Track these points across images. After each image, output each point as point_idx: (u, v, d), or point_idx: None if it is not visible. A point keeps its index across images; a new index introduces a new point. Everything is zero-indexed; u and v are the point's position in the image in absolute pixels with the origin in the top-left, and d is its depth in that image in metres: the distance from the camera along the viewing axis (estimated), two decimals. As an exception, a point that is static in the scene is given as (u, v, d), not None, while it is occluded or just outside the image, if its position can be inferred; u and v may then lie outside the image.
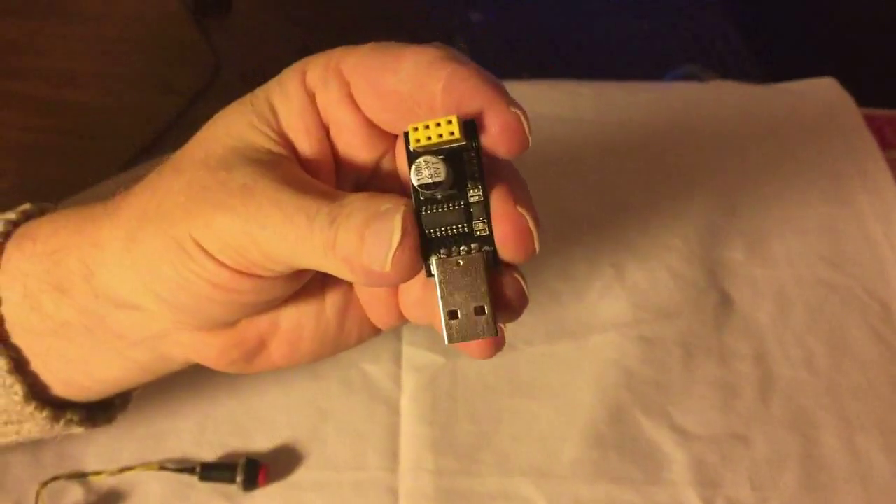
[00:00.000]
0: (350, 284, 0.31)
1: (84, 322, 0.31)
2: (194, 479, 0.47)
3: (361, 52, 0.28)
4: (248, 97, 0.29)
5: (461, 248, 0.26)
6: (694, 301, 0.56)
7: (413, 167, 0.25)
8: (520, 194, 0.26)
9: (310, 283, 0.31)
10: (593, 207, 0.60)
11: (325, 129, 0.29)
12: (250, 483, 0.47)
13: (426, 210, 0.26)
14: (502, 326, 0.27)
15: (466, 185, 0.26)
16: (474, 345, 0.27)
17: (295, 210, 0.25)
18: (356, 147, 0.29)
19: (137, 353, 0.32)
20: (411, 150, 0.26)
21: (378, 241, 0.24)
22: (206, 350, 0.31)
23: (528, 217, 0.26)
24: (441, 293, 0.25)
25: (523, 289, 0.26)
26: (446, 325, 0.25)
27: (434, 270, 0.26)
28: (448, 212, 0.26)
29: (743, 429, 0.52)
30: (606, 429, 0.51)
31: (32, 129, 1.35)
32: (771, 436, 0.52)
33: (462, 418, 0.51)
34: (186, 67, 1.44)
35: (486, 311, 0.25)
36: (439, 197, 0.26)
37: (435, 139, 0.25)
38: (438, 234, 0.26)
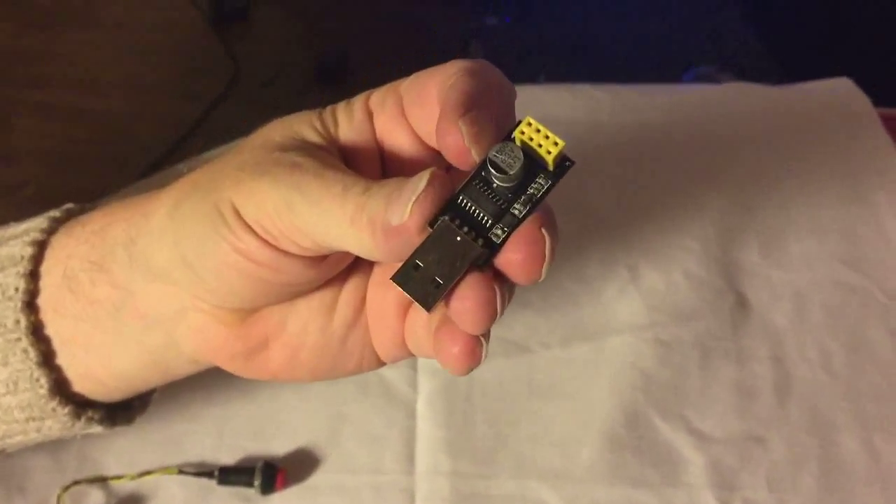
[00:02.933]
0: (362, 301, 0.32)
1: (113, 299, 0.32)
2: (213, 484, 0.48)
3: (418, 75, 0.29)
4: (317, 110, 0.31)
5: (471, 233, 0.26)
6: (710, 303, 0.56)
7: (499, 145, 0.26)
8: (547, 219, 0.27)
9: (324, 290, 0.31)
10: (608, 209, 0.60)
11: (378, 151, 0.30)
12: (268, 487, 0.48)
13: (476, 182, 0.27)
14: (483, 342, 0.28)
15: (520, 198, 0.27)
16: (454, 354, 0.27)
17: (334, 180, 0.27)
18: (407, 168, 0.30)
19: (152, 337, 0.33)
20: (511, 136, 0.27)
21: (403, 194, 0.26)
22: (213, 338, 0.31)
23: (547, 241, 0.26)
24: (424, 244, 0.26)
25: (483, 303, 0.26)
26: (404, 265, 0.26)
27: (437, 224, 0.26)
28: (489, 200, 0.27)
29: (761, 431, 0.52)
30: (623, 431, 0.51)
31: (55, 137, 1.37)
32: (789, 438, 0.51)
33: (478, 421, 0.51)
34: (206, 75, 1.46)
35: (438, 289, 0.26)
36: (494, 185, 0.27)
37: (533, 144, 0.26)
38: (466, 207, 0.27)
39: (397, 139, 0.30)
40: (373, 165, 0.30)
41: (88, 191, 0.65)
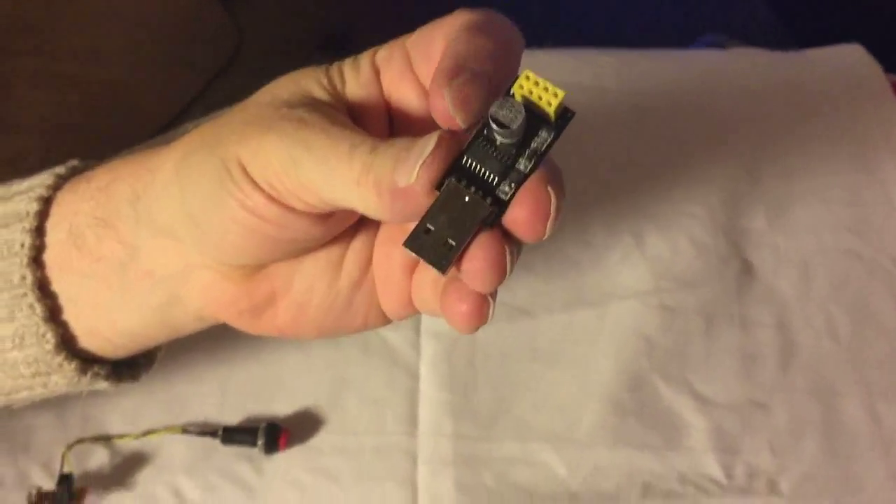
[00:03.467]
0: (368, 259, 0.31)
1: (119, 256, 0.32)
2: (216, 443, 0.48)
3: (423, 28, 0.29)
4: (323, 66, 0.30)
5: (478, 192, 0.26)
6: (715, 269, 0.56)
7: (499, 101, 0.26)
8: (553, 176, 0.27)
9: (331, 248, 0.31)
10: (613, 175, 0.60)
11: (384, 107, 0.30)
12: (271, 446, 0.48)
13: (479, 141, 0.27)
14: (490, 301, 0.27)
15: (524, 153, 0.27)
16: (462, 313, 0.27)
17: (341, 138, 0.27)
18: (415, 125, 0.30)
19: (157, 295, 0.33)
20: (510, 91, 0.27)
21: (410, 156, 0.26)
22: (220, 295, 0.31)
23: (553, 199, 0.26)
24: (433, 207, 0.26)
25: (493, 262, 0.26)
26: (415, 231, 0.26)
27: (443, 186, 0.26)
28: (494, 158, 0.26)
29: (764, 396, 0.52)
30: (626, 396, 0.51)
31: (55, 107, 1.36)
32: (792, 403, 0.51)
33: (481, 385, 0.51)
34: (208, 44, 1.44)
35: (451, 251, 0.26)
36: (497, 142, 0.26)
37: (534, 97, 0.26)
38: (471, 167, 0.26)
39: (405, 95, 0.29)
40: (380, 123, 0.30)
41: (89, 159, 0.65)
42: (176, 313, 0.33)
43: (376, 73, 0.30)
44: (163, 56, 1.39)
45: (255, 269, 0.31)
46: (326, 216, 0.29)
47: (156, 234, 0.31)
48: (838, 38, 0.67)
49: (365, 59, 0.30)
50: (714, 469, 0.49)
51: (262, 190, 0.28)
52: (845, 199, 0.59)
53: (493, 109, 0.26)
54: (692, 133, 0.62)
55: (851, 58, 0.65)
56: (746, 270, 0.56)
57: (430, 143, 0.26)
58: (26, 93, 1.33)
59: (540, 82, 0.26)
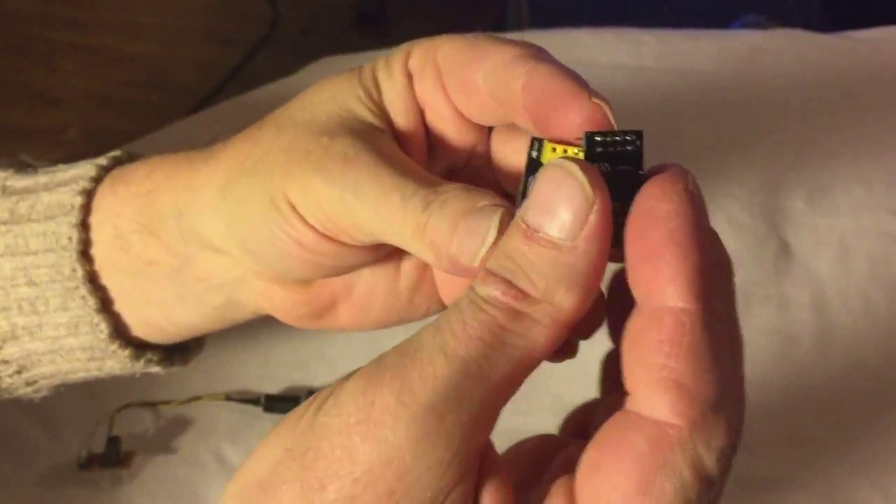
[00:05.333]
0: (426, 263, 0.32)
1: (170, 262, 0.32)
2: (259, 410, 0.49)
3: (455, 45, 0.28)
4: (356, 70, 0.30)
5: None
6: (753, 249, 0.56)
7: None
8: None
9: (388, 250, 0.31)
10: (651, 154, 0.59)
11: (421, 113, 0.29)
12: (312, 415, 0.49)
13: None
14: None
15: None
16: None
17: (392, 187, 0.26)
18: (449, 134, 0.29)
19: (214, 297, 0.33)
20: (534, 157, 0.25)
21: (471, 235, 0.24)
22: (279, 302, 0.32)
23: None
24: None
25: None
26: None
27: None
28: None
29: (801, 377, 0.52)
30: (661, 373, 0.51)
31: (96, 80, 1.38)
32: (829, 384, 0.52)
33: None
34: (245, 21, 1.46)
35: None
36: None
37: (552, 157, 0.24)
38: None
39: (437, 106, 0.29)
40: (417, 129, 0.29)
41: (129, 132, 0.66)
42: (233, 312, 0.34)
43: (410, 79, 0.29)
44: (200, 32, 1.40)
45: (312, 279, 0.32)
46: (379, 245, 0.28)
47: (204, 247, 0.31)
48: (876, 20, 0.67)
49: (397, 64, 0.29)
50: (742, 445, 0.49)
51: (314, 229, 0.27)
52: (886, 180, 0.59)
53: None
54: (732, 113, 0.62)
55: (893, 40, 0.64)
56: (784, 250, 0.56)
57: (492, 230, 0.24)
58: (67, 65, 1.35)
59: (567, 148, 0.24)
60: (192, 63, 1.37)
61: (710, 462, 0.21)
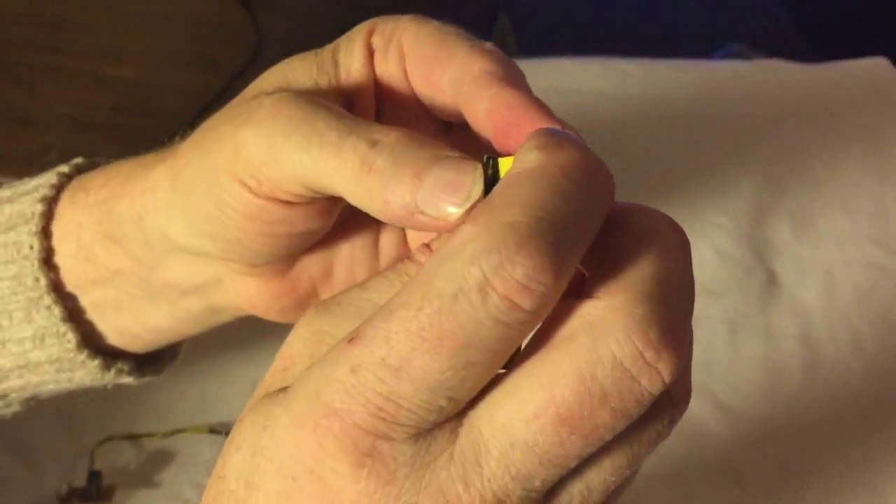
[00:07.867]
0: (403, 237, 0.31)
1: (136, 270, 0.31)
2: (243, 443, 0.48)
3: (421, 35, 0.27)
4: (314, 50, 0.29)
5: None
6: (740, 280, 0.56)
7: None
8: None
9: (364, 233, 0.31)
10: (637, 183, 0.59)
11: (375, 90, 0.28)
12: (298, 448, 0.48)
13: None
14: None
15: None
16: None
17: (327, 127, 0.24)
18: (405, 117, 0.28)
19: (189, 301, 0.32)
20: (490, 174, 0.23)
21: (447, 188, 0.23)
22: (258, 298, 0.31)
23: None
24: None
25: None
26: None
27: None
28: None
29: (788, 408, 0.52)
30: (650, 404, 0.51)
31: (78, 104, 1.37)
32: (816, 416, 0.52)
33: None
34: (229, 44, 1.45)
35: None
36: None
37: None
38: None
39: (398, 91, 0.28)
40: (370, 108, 0.28)
41: (112, 157, 0.65)
42: (209, 315, 0.33)
43: (370, 54, 0.28)
44: (184, 55, 1.40)
45: (288, 264, 0.31)
46: (327, 207, 0.27)
47: (171, 250, 0.30)
48: (857, 50, 0.68)
49: (359, 40, 0.28)
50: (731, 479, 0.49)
51: (252, 192, 0.26)
52: (870, 211, 0.59)
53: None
54: (717, 143, 0.62)
55: (877, 71, 0.65)
56: (771, 280, 0.56)
57: (477, 184, 0.23)
58: (48, 88, 1.34)
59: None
60: (175, 87, 1.36)
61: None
